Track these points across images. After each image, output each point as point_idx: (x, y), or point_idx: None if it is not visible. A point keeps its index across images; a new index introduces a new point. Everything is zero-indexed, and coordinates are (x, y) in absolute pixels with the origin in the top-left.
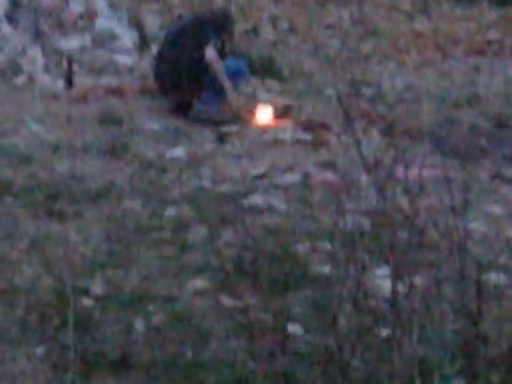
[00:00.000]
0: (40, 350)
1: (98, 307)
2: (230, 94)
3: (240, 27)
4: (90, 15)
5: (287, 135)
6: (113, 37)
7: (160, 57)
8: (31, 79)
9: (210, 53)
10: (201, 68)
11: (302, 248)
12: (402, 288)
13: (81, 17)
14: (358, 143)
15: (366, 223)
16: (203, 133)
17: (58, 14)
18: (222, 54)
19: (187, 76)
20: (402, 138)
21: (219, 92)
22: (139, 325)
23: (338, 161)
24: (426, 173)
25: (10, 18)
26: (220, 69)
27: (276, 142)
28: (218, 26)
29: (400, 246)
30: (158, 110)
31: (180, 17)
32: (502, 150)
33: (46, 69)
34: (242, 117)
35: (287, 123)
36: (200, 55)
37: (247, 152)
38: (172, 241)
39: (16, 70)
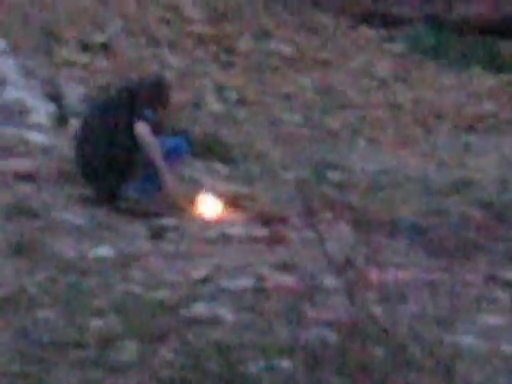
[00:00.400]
0: None
1: None
2: (167, 179)
3: (179, 97)
4: None
5: (237, 230)
6: (24, 110)
7: (82, 135)
8: None
9: (142, 129)
10: (131, 148)
11: (254, 368)
12: None
13: None
14: (322, 240)
15: (332, 337)
16: (134, 227)
17: None
18: (156, 130)
19: (114, 158)
20: (377, 233)
21: (153, 177)
22: None
23: (299, 261)
24: (405, 275)
25: None
26: (154, 148)
27: (223, 239)
28: (150, 96)
29: (374, 364)
30: (79, 199)
31: (106, 86)
32: (497, 246)
33: None
34: (180, 207)
35: (236, 215)
36: (130, 132)
37: (187, 250)
38: (96, 360)
39: None
